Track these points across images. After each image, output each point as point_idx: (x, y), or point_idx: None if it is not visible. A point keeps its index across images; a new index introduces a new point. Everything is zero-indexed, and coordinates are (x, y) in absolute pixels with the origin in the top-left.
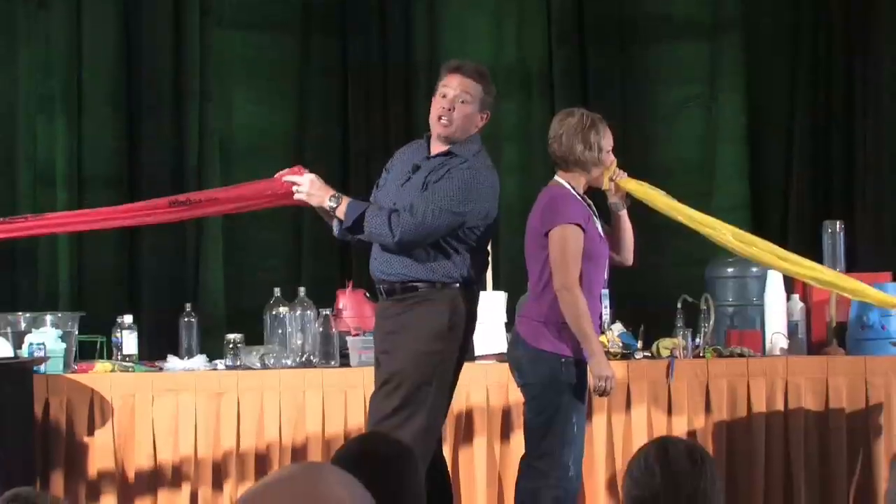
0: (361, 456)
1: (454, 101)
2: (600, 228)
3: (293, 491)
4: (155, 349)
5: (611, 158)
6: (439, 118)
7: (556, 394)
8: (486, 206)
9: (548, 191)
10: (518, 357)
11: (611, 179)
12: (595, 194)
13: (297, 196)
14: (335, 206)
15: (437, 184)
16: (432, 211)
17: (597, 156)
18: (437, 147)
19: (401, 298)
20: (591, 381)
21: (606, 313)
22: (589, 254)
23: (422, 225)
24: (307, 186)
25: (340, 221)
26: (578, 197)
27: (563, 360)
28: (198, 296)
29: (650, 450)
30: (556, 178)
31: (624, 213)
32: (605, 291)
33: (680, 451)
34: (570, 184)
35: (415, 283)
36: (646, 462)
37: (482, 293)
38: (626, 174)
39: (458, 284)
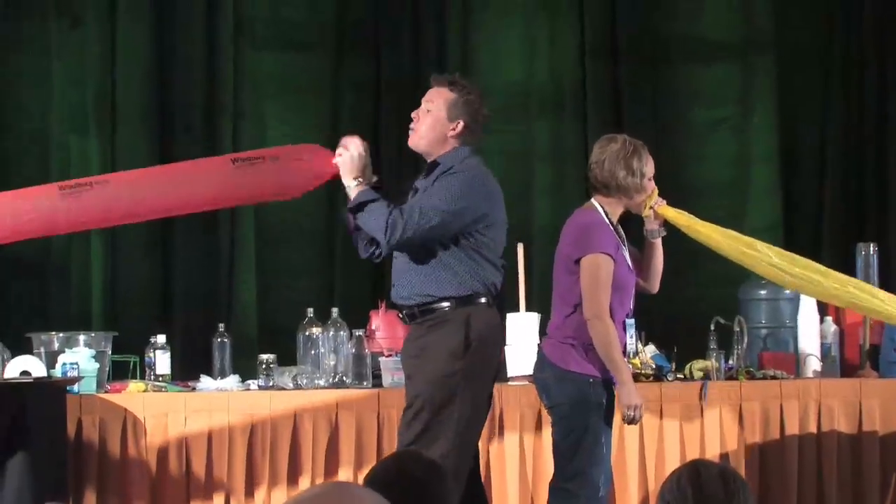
0: (394, 476)
1: (420, 111)
2: (628, 258)
3: None
4: (188, 369)
5: (652, 185)
6: (410, 129)
7: (584, 414)
8: (480, 206)
9: (581, 215)
10: (545, 379)
11: (650, 207)
12: (626, 221)
13: (336, 158)
14: (354, 185)
15: (427, 190)
16: (419, 209)
17: (639, 182)
18: (428, 164)
19: (420, 322)
20: (621, 408)
21: (631, 342)
22: (616, 283)
23: (408, 224)
24: (353, 152)
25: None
26: (610, 225)
27: (591, 380)
28: (230, 315)
29: (683, 473)
30: (593, 201)
31: (658, 242)
32: (631, 321)
33: (713, 474)
34: (605, 209)
35: (431, 305)
36: (678, 485)
37: (514, 314)
38: (665, 202)
39: (474, 300)
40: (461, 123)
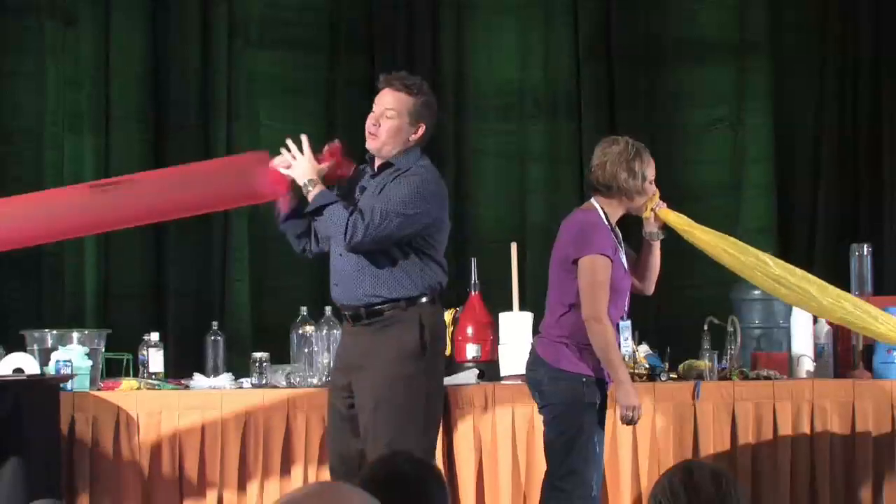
0: (388, 477)
1: (379, 116)
2: (625, 260)
3: None
4: (181, 367)
5: (653, 188)
6: (368, 134)
7: (577, 413)
8: (434, 209)
9: (580, 215)
10: (539, 378)
11: (651, 209)
12: (624, 223)
13: (284, 158)
14: (312, 188)
15: (386, 189)
16: (380, 212)
17: (640, 184)
18: (379, 164)
19: (368, 323)
20: (618, 409)
21: (626, 344)
22: (612, 285)
23: (370, 226)
24: (298, 157)
25: (292, 211)
26: (608, 226)
27: (585, 379)
28: (224, 313)
29: (675, 474)
30: (592, 201)
31: (657, 244)
32: (626, 323)
33: (705, 475)
34: (604, 210)
35: (378, 306)
36: (671, 486)
37: (508, 314)
38: (665, 205)
39: (422, 299)
40: (422, 127)
